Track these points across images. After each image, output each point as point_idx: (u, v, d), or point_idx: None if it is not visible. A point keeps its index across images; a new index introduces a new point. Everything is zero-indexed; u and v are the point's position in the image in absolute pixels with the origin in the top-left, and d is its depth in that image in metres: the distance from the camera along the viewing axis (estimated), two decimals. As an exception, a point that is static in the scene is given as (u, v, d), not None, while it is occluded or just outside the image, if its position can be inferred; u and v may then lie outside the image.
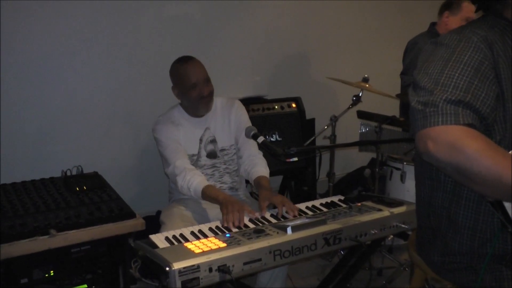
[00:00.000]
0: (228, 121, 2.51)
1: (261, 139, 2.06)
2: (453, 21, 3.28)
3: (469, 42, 1.25)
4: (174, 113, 2.47)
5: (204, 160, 2.46)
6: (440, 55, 1.28)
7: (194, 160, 2.44)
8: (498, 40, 1.26)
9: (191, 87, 2.34)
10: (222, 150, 2.49)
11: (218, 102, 2.53)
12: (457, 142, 1.15)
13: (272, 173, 2.49)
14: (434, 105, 1.19)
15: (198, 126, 2.46)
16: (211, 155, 2.47)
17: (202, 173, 2.40)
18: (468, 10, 3.24)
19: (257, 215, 2.03)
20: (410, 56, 3.37)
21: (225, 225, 1.91)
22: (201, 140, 2.46)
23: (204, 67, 2.40)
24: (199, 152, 2.45)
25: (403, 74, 3.45)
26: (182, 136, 2.42)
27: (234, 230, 1.85)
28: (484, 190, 1.20)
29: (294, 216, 2.00)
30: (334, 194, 2.92)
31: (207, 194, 2.19)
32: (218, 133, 2.48)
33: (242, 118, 2.52)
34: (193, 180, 2.24)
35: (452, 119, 1.17)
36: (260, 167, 2.41)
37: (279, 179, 3.71)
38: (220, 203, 2.08)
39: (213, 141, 2.48)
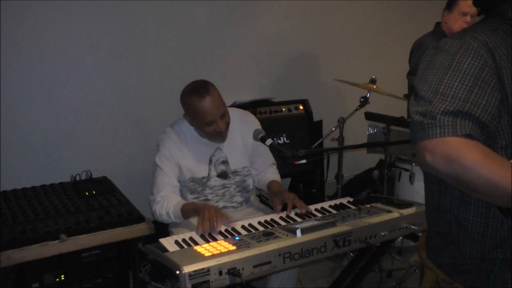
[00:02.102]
0: (242, 141, 2.36)
1: (269, 141, 2.06)
2: (451, 18, 3.32)
3: (468, 48, 1.24)
4: (182, 128, 2.29)
5: (214, 180, 2.31)
6: (440, 63, 1.27)
7: (204, 182, 2.31)
8: (500, 44, 1.24)
9: (206, 124, 2.16)
10: (235, 172, 2.35)
11: (232, 118, 2.29)
12: (454, 153, 1.15)
13: (280, 176, 2.49)
14: (432, 117, 1.19)
15: (208, 145, 2.29)
16: (222, 175, 2.33)
17: (212, 194, 2.33)
18: (464, 5, 3.26)
19: (233, 222, 1.95)
20: (416, 56, 3.37)
21: (200, 231, 1.85)
22: (210, 160, 2.30)
23: (220, 98, 2.19)
24: (209, 174, 2.30)
25: (409, 74, 3.44)
26: (188, 156, 2.27)
27: (244, 232, 1.85)
28: (485, 198, 1.21)
29: (305, 215, 2.01)
30: (343, 196, 2.91)
31: (186, 210, 2.07)
32: (231, 154, 2.34)
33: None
34: (169, 204, 2.12)
35: (449, 131, 1.17)
36: (271, 174, 2.42)
37: (287, 181, 3.71)
38: (197, 210, 2.00)
39: (225, 162, 2.33)
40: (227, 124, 2.23)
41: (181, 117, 2.30)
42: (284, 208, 2.14)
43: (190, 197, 2.33)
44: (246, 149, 2.37)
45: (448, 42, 1.30)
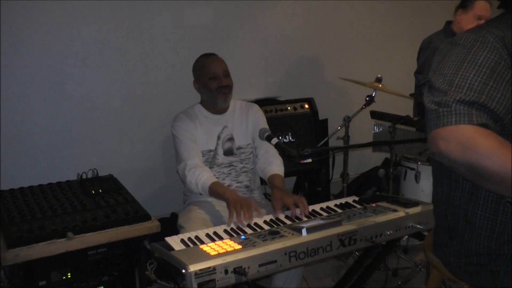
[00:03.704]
0: (246, 121, 2.57)
1: (274, 140, 2.06)
2: (465, 19, 3.27)
3: (484, 42, 1.24)
4: (194, 110, 2.54)
5: (221, 157, 2.50)
6: (456, 55, 1.27)
7: (211, 156, 2.49)
8: None
9: (211, 77, 2.44)
10: (239, 148, 2.54)
11: (237, 104, 2.61)
12: (469, 140, 1.14)
13: (286, 174, 2.49)
14: (447, 105, 1.19)
15: (216, 124, 2.52)
16: (228, 152, 2.52)
17: (219, 171, 2.47)
18: (480, 8, 3.23)
19: (263, 214, 2.05)
20: (424, 55, 3.35)
21: (231, 226, 1.92)
22: (219, 137, 2.51)
23: (225, 64, 2.52)
24: (216, 149, 2.49)
25: (417, 73, 3.42)
26: (200, 132, 2.47)
27: (249, 231, 1.85)
28: (498, 188, 1.19)
29: (310, 214, 2.01)
30: (348, 194, 2.91)
31: (214, 190, 2.22)
32: (236, 132, 2.54)
33: (260, 120, 2.58)
34: (202, 176, 2.28)
35: (465, 119, 1.16)
36: (275, 166, 2.44)
37: (292, 180, 3.71)
38: (227, 200, 2.10)
39: (231, 139, 2.53)
40: (230, 85, 2.49)
41: (191, 105, 2.59)
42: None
43: None
44: (248, 128, 2.58)
45: (463, 36, 1.30)
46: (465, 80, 1.21)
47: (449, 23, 3.43)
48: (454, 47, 1.31)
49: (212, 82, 2.44)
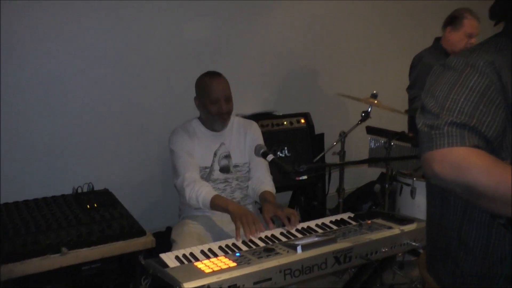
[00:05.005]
0: (244, 139, 2.55)
1: (270, 157, 2.07)
2: (456, 36, 3.32)
3: (475, 66, 1.25)
4: (191, 125, 2.52)
5: (217, 174, 2.48)
6: (447, 78, 1.29)
7: (207, 173, 2.46)
8: (506, 64, 1.26)
9: (212, 101, 2.39)
10: (236, 166, 2.52)
11: (235, 120, 2.59)
12: (463, 161, 1.15)
13: (281, 189, 2.51)
14: (439, 128, 1.20)
15: (213, 140, 2.50)
16: (224, 169, 2.50)
17: (214, 187, 2.44)
18: (470, 26, 3.29)
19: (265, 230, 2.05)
20: (415, 70, 3.41)
21: (240, 239, 1.93)
22: (215, 154, 2.49)
23: (229, 87, 2.46)
24: (212, 165, 2.47)
25: (409, 88, 3.46)
26: (197, 148, 2.45)
27: (244, 248, 1.85)
28: (494, 207, 1.19)
29: (305, 230, 2.02)
30: (344, 209, 2.92)
31: (216, 203, 2.21)
32: (233, 150, 2.52)
33: (258, 139, 2.56)
34: (202, 190, 2.27)
35: (458, 141, 1.17)
36: (266, 185, 2.45)
37: (288, 194, 3.70)
38: (231, 213, 2.10)
39: (228, 156, 2.51)
40: (230, 111, 2.46)
41: (188, 119, 2.57)
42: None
43: None
44: (245, 146, 2.55)
45: (455, 59, 1.32)
46: (456, 104, 1.22)
47: (438, 39, 3.47)
48: (446, 70, 1.32)
49: (212, 106, 2.40)
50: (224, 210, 2.17)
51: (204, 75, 2.49)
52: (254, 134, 2.57)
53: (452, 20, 3.35)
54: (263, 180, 2.49)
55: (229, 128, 2.54)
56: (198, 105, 2.50)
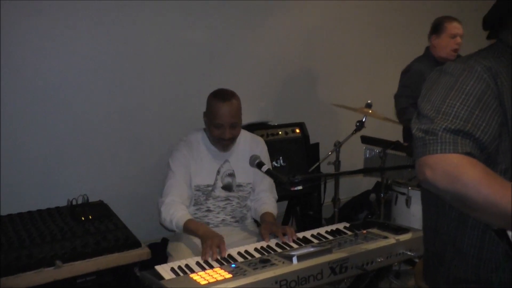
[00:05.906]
0: (248, 158, 2.40)
1: (265, 167, 2.07)
2: (441, 41, 3.41)
3: (472, 71, 1.27)
4: (196, 138, 2.44)
5: (218, 191, 2.41)
6: (444, 83, 1.30)
7: (209, 191, 2.40)
8: (503, 71, 1.27)
9: (215, 125, 2.31)
10: (239, 185, 2.46)
11: (242, 136, 2.48)
12: (455, 170, 1.15)
13: (277, 199, 2.50)
14: (433, 134, 1.21)
15: (217, 157, 2.42)
16: (227, 188, 2.43)
17: (215, 204, 2.41)
18: (452, 27, 3.37)
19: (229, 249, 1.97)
20: (403, 79, 3.50)
21: (203, 259, 1.86)
22: (218, 171, 2.41)
23: (238, 111, 2.34)
24: (215, 184, 2.41)
25: (397, 96, 3.50)
26: (199, 165, 2.38)
27: (240, 259, 1.84)
28: (483, 217, 1.20)
29: (301, 241, 2.01)
30: (340, 218, 2.91)
31: (188, 227, 2.17)
32: (238, 168, 2.45)
33: (264, 158, 2.41)
34: (176, 213, 2.22)
35: (451, 148, 1.18)
36: (268, 205, 2.43)
37: (284, 204, 3.70)
38: (200, 237, 2.07)
39: (232, 174, 2.44)
40: (234, 137, 2.37)
41: (195, 129, 2.49)
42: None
43: (192, 209, 2.39)
44: (250, 168, 2.40)
45: (452, 65, 1.33)
46: (452, 108, 1.23)
47: (428, 48, 3.54)
48: (442, 75, 1.33)
49: (215, 130, 2.31)
50: (195, 234, 2.14)
51: (215, 95, 2.35)
52: (261, 152, 2.46)
53: (435, 28, 3.45)
54: (265, 200, 2.46)
55: (235, 145, 2.45)
56: (205, 122, 2.41)
